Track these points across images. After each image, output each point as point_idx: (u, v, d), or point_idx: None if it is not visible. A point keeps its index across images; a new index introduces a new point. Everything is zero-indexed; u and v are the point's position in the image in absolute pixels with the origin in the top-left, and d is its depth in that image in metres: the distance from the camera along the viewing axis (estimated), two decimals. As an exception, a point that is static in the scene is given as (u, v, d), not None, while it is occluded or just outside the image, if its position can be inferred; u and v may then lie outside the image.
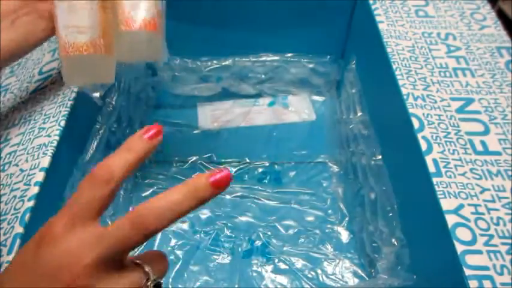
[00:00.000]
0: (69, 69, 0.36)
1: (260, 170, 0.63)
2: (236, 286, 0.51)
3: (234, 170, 0.62)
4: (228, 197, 0.59)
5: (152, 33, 0.38)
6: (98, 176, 0.26)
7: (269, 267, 0.53)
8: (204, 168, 0.62)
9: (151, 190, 0.60)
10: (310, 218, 0.57)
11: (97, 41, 0.35)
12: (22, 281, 0.23)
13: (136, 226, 0.24)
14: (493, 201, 0.36)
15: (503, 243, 0.33)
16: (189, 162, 0.63)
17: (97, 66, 0.36)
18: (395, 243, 0.44)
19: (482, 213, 0.35)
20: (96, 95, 0.42)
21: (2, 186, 0.38)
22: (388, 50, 0.48)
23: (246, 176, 0.62)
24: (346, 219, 0.57)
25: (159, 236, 0.55)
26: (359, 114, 0.57)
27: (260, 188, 0.60)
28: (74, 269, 0.22)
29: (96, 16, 0.35)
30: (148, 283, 0.25)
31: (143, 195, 0.59)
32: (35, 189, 0.36)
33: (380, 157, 0.50)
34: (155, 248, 0.54)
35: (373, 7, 0.54)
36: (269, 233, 0.56)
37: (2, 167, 0.39)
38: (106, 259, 0.23)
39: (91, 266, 0.23)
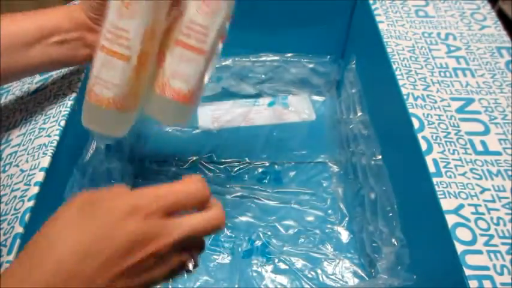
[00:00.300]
0: (88, 113, 0.37)
1: (260, 170, 0.63)
2: (236, 286, 0.51)
3: (234, 170, 0.62)
4: (228, 197, 0.59)
5: (184, 105, 0.37)
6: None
7: (269, 267, 0.53)
8: (204, 168, 0.62)
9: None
10: (310, 218, 0.57)
11: (120, 99, 0.35)
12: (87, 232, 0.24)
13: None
14: (493, 201, 0.36)
15: (503, 243, 0.33)
16: (189, 162, 0.63)
17: (113, 121, 0.37)
18: (395, 243, 0.44)
19: (483, 213, 0.35)
20: (101, 145, 0.43)
21: (2, 186, 0.38)
22: (388, 50, 0.48)
23: (246, 176, 0.62)
24: (346, 219, 0.57)
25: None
26: (359, 114, 0.57)
27: (260, 188, 0.60)
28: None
29: (126, 76, 0.34)
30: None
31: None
32: (35, 189, 0.36)
33: (380, 157, 0.50)
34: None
35: (373, 7, 0.54)
36: (269, 233, 0.56)
37: (2, 168, 0.39)
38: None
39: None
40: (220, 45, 0.38)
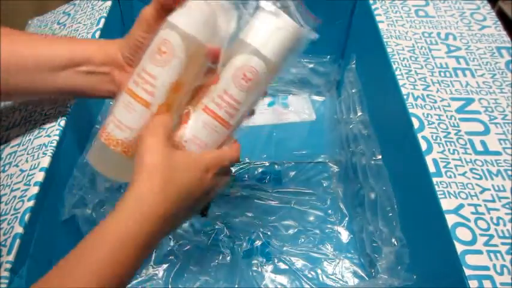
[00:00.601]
0: (95, 150, 0.36)
1: (260, 170, 0.63)
2: (236, 286, 0.51)
3: (234, 170, 0.62)
4: (228, 196, 0.59)
5: None
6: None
7: (269, 267, 0.53)
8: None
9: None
10: (310, 218, 0.57)
11: (130, 143, 0.34)
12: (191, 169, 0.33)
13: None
14: (493, 201, 0.36)
15: (503, 243, 0.33)
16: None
17: (117, 165, 0.35)
18: (395, 243, 0.44)
19: (482, 213, 0.35)
20: (101, 188, 0.44)
21: (2, 186, 0.38)
22: (388, 50, 0.48)
23: (246, 176, 0.62)
24: (346, 219, 0.57)
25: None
26: (359, 114, 0.57)
27: (260, 188, 0.60)
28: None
29: (142, 122, 0.33)
30: None
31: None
32: (35, 189, 0.36)
33: (380, 157, 0.50)
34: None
35: (373, 7, 0.54)
36: (269, 233, 0.56)
37: (2, 168, 0.39)
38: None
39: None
40: (245, 120, 0.37)
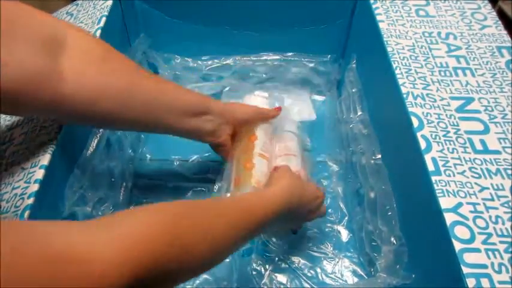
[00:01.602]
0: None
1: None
2: (236, 285, 0.51)
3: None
4: (228, 195, 0.59)
5: None
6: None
7: (269, 266, 0.53)
8: (204, 167, 0.62)
9: (151, 189, 0.60)
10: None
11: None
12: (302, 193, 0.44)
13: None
14: (492, 199, 0.36)
15: (501, 242, 0.33)
16: (190, 160, 0.63)
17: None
18: (394, 242, 0.44)
19: (481, 212, 0.35)
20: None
21: (4, 185, 0.38)
22: (389, 49, 0.48)
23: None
24: (346, 218, 0.57)
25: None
26: (359, 113, 0.57)
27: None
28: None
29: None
30: None
31: (143, 193, 0.60)
32: (35, 187, 0.36)
33: (379, 156, 0.50)
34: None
35: (373, 6, 0.54)
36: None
37: (5, 167, 0.40)
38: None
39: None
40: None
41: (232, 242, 0.34)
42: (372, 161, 0.51)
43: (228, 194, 0.49)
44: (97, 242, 0.23)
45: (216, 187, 0.51)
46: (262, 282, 0.51)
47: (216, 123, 0.48)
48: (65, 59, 0.34)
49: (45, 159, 0.39)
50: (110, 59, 0.39)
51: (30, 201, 0.35)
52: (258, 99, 0.57)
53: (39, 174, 0.37)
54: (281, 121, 0.56)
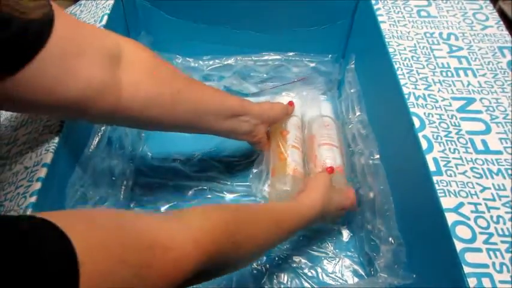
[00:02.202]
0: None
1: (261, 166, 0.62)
2: (236, 284, 0.51)
3: (235, 168, 0.63)
4: (229, 195, 0.59)
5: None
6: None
7: (269, 265, 0.53)
8: (205, 166, 0.62)
9: (152, 187, 0.60)
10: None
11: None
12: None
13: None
14: (493, 199, 0.36)
15: (502, 242, 0.33)
16: (191, 159, 0.63)
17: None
18: (392, 241, 0.44)
19: (482, 212, 0.35)
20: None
21: (8, 184, 0.38)
22: (390, 49, 0.48)
23: (248, 174, 0.62)
24: (346, 218, 0.57)
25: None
26: (357, 114, 0.57)
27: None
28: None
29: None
30: None
31: (144, 192, 0.60)
32: (38, 185, 0.37)
33: (378, 157, 0.50)
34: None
35: (375, 7, 0.54)
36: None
37: (8, 166, 0.40)
38: None
39: None
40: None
41: (268, 244, 0.40)
42: (371, 161, 0.51)
43: (266, 184, 0.57)
44: (176, 233, 0.29)
45: (253, 172, 0.58)
46: (262, 281, 0.52)
47: (252, 123, 0.52)
48: (122, 71, 0.38)
49: (47, 157, 0.39)
50: (159, 69, 0.42)
51: (33, 199, 0.36)
52: (286, 100, 0.62)
53: (42, 172, 0.37)
54: (311, 108, 0.64)
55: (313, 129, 0.62)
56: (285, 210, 0.44)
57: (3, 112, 0.45)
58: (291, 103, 0.60)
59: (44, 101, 0.33)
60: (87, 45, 0.35)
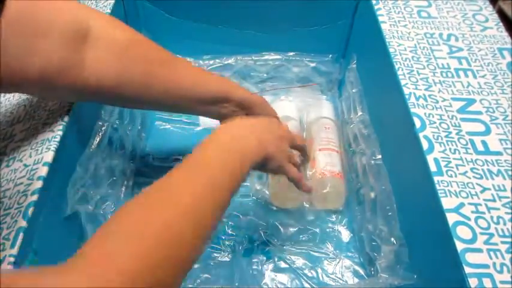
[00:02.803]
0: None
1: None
2: (236, 284, 0.51)
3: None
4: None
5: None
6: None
7: (269, 266, 0.53)
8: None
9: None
10: (310, 217, 0.58)
11: None
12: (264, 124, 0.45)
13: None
14: (494, 200, 0.36)
15: (503, 242, 0.33)
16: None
17: None
18: (394, 242, 0.44)
19: (483, 212, 0.35)
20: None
21: (6, 181, 0.38)
22: (391, 50, 0.48)
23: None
24: (346, 218, 0.57)
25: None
26: (359, 113, 0.57)
27: (261, 186, 0.60)
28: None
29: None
30: None
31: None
32: (39, 184, 0.36)
33: (380, 157, 0.50)
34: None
35: (375, 7, 0.54)
36: (269, 232, 0.56)
37: (6, 163, 0.40)
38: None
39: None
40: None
41: (212, 215, 0.34)
42: (372, 161, 0.51)
43: (266, 185, 0.58)
44: None
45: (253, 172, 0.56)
46: (263, 282, 0.52)
47: (230, 110, 0.47)
48: (87, 48, 0.37)
49: (48, 156, 0.39)
50: (132, 47, 0.40)
51: (34, 198, 0.35)
52: (285, 103, 0.64)
53: (43, 171, 0.37)
54: (311, 109, 0.64)
55: (312, 132, 0.62)
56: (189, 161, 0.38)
57: None
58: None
59: (6, 79, 0.33)
60: (48, 22, 0.34)
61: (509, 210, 0.35)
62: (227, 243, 0.55)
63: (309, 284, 0.52)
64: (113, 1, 0.55)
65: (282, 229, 0.56)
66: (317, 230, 0.56)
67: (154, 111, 0.50)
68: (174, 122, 0.68)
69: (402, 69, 0.46)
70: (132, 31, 0.42)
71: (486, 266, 0.32)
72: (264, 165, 0.42)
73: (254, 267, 0.53)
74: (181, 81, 0.44)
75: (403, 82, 0.45)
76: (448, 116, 0.42)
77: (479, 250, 0.33)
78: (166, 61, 0.44)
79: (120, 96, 0.41)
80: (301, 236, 0.56)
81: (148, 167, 0.62)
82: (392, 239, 0.44)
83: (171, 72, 0.43)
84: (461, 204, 0.35)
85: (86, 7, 0.39)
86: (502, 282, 0.31)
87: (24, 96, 0.46)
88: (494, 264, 0.32)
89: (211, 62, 0.68)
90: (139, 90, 0.41)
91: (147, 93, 0.42)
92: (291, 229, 0.56)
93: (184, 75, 0.44)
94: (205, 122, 0.68)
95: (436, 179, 0.37)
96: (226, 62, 0.68)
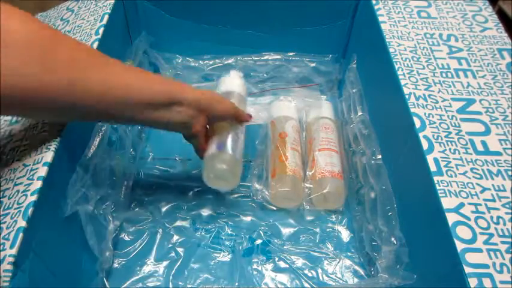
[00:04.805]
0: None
1: (261, 168, 0.63)
2: (236, 284, 0.51)
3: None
4: (229, 196, 0.59)
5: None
6: None
7: (269, 266, 0.53)
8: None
9: (152, 187, 0.60)
10: (310, 217, 0.58)
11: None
12: None
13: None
14: (493, 200, 0.36)
15: (503, 242, 0.33)
16: (191, 159, 0.63)
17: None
18: (395, 242, 0.44)
19: (483, 212, 0.35)
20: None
21: (5, 181, 0.38)
22: (391, 50, 0.48)
23: (247, 175, 0.62)
24: (346, 218, 0.57)
25: (161, 232, 0.55)
26: (359, 113, 0.57)
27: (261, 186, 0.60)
28: None
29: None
30: None
31: (144, 192, 0.60)
32: (38, 184, 0.36)
33: (380, 156, 0.50)
34: (156, 245, 0.54)
35: (375, 7, 0.54)
36: (269, 232, 0.56)
37: (5, 163, 0.40)
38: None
39: None
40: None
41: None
42: (373, 161, 0.51)
43: (267, 185, 0.58)
44: None
45: (253, 173, 0.59)
46: (263, 281, 0.52)
47: (187, 114, 0.43)
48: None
49: (48, 156, 0.39)
50: (53, 51, 0.34)
51: (34, 198, 0.35)
52: (285, 103, 0.65)
53: (43, 171, 0.37)
54: (311, 109, 0.65)
55: (312, 132, 0.62)
56: None
57: None
58: (249, 116, 0.53)
59: None
60: None
61: (509, 210, 0.35)
62: (227, 243, 0.55)
63: (309, 284, 0.52)
64: (113, 1, 0.55)
65: (282, 229, 0.56)
66: (317, 230, 0.56)
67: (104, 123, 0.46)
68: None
69: (402, 69, 0.46)
70: (51, 30, 0.36)
71: (486, 266, 0.32)
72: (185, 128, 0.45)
73: (254, 267, 0.53)
74: (116, 86, 0.38)
75: (403, 82, 0.45)
76: (448, 116, 0.42)
77: (479, 250, 0.33)
78: (99, 63, 0.38)
79: (45, 112, 0.36)
80: (301, 236, 0.56)
81: (149, 168, 0.63)
82: (392, 239, 0.44)
83: (104, 75, 0.37)
84: (461, 204, 0.35)
85: None
86: (501, 282, 0.31)
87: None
88: (494, 264, 0.32)
89: (211, 62, 0.68)
90: (67, 102, 0.35)
91: (77, 105, 0.36)
92: (291, 229, 0.56)
93: (118, 79, 0.38)
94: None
95: (436, 179, 0.37)
96: (226, 62, 0.68)
